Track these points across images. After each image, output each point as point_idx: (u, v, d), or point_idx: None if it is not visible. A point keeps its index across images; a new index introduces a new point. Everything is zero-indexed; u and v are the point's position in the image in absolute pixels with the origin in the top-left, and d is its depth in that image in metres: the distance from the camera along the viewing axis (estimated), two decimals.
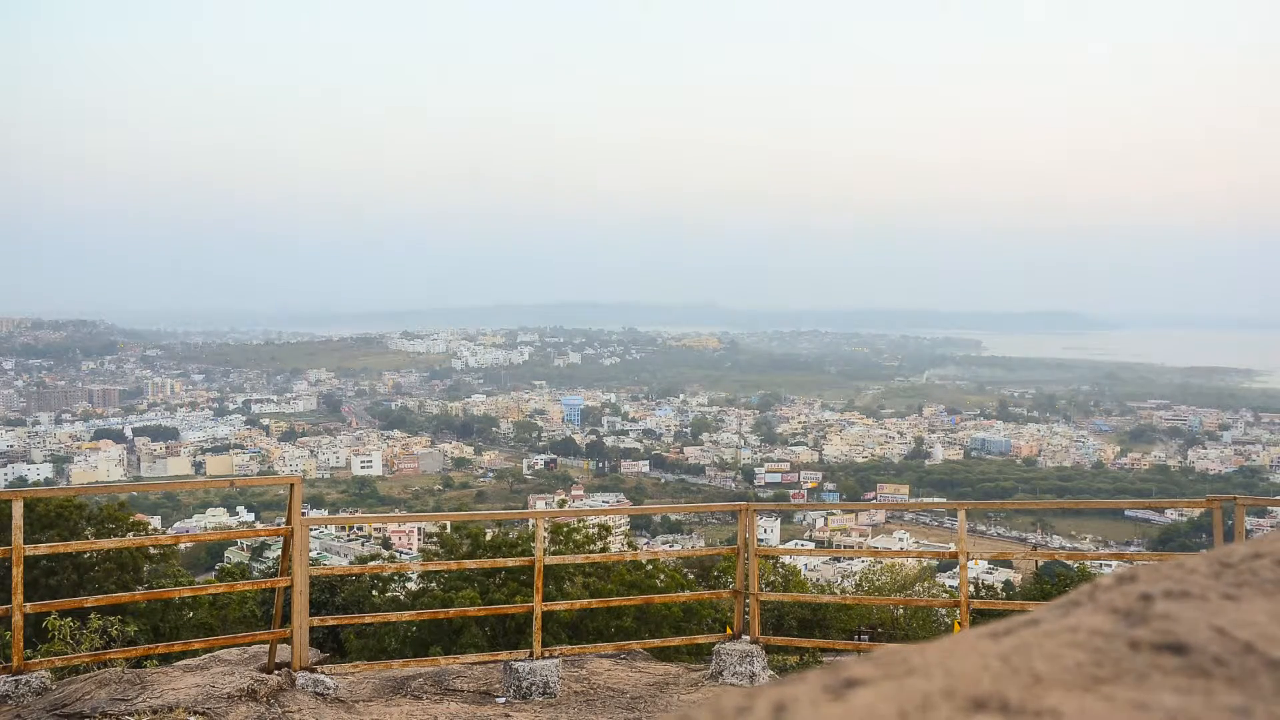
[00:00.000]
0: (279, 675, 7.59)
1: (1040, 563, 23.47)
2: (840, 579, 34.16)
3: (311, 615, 8.08)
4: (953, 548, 9.24)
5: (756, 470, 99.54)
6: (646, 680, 8.71)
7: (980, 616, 11.59)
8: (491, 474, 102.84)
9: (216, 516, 76.18)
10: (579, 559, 13.73)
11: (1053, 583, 17.51)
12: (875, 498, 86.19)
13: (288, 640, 7.87)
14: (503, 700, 8.10)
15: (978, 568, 39.50)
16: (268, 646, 8.45)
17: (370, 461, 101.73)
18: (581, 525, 18.37)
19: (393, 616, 11.14)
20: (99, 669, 7.58)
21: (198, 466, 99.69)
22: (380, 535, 65.78)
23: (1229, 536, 8.05)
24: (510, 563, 12.20)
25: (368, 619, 12.30)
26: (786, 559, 27.13)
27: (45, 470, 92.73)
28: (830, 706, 0.88)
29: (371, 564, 23.38)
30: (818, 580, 33.04)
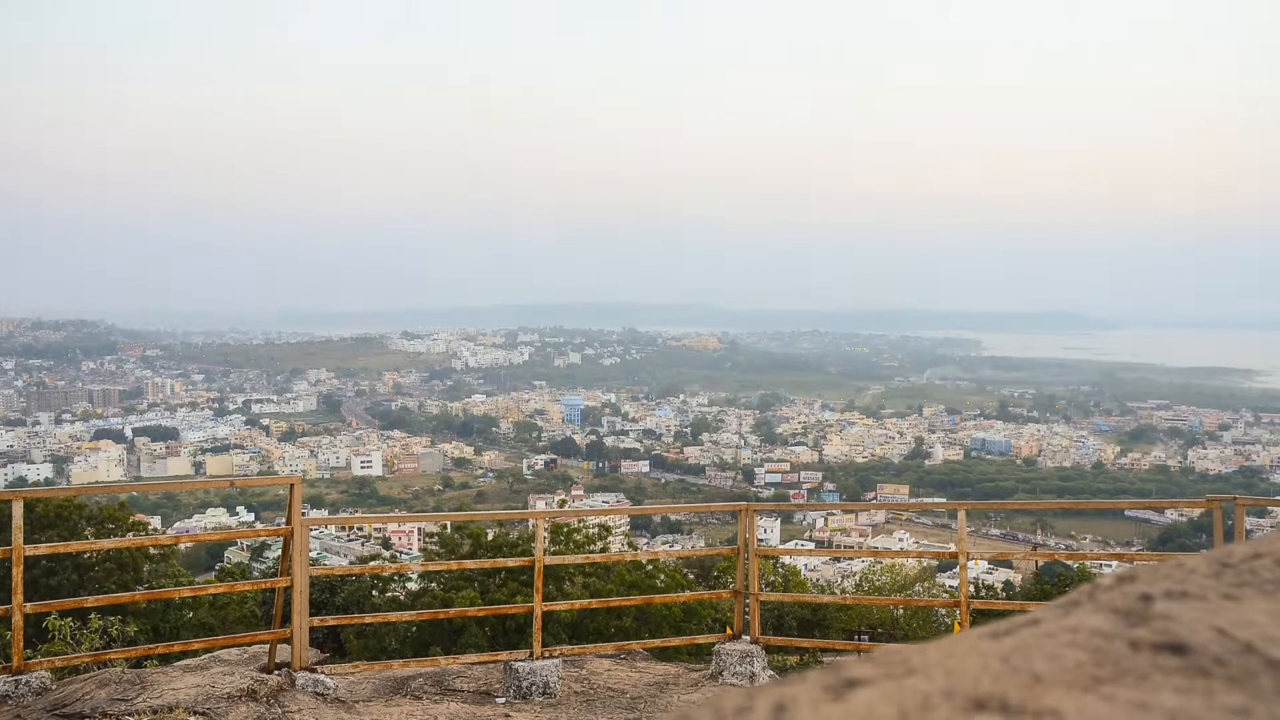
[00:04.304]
0: (279, 675, 7.60)
1: (1040, 563, 23.48)
2: (840, 579, 34.19)
3: (311, 615, 8.08)
4: (953, 548, 9.25)
5: (756, 470, 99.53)
6: (646, 680, 8.71)
7: (980, 616, 11.59)
8: (491, 474, 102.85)
9: (216, 516, 76.18)
10: (579, 559, 13.73)
11: (1053, 583, 17.51)
12: (875, 498, 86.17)
13: (288, 640, 7.87)
14: (503, 700, 8.10)
15: (978, 568, 39.50)
16: (268, 646, 8.45)
17: (370, 461, 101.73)
18: (581, 525, 18.36)
19: (393, 616, 11.14)
20: (99, 669, 7.58)
21: (198, 466, 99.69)
22: (380, 535, 65.78)
23: (1229, 536, 8.05)
24: (510, 563, 12.20)
25: (368, 619, 12.29)
26: (786, 559, 27.15)
27: (45, 470, 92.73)
28: (830, 706, 0.88)
29: (371, 564, 23.40)
30: (818, 580, 33.06)
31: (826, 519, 76.99)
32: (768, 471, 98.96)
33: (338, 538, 65.10)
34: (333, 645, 14.57)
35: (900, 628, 18.50)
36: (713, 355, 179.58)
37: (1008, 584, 28.84)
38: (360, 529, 67.23)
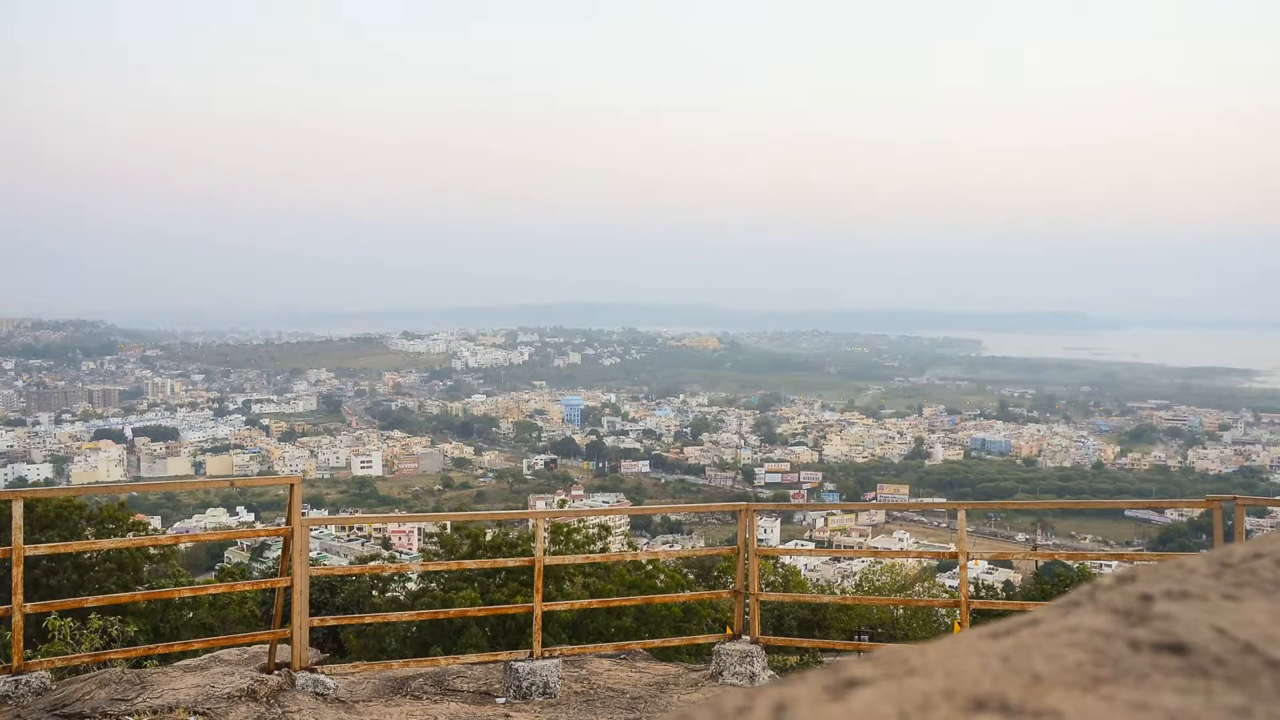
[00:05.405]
0: (279, 675, 7.59)
1: (1040, 563, 23.45)
2: (840, 579, 34.18)
3: (311, 615, 8.08)
4: (953, 548, 9.24)
5: (756, 470, 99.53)
6: (646, 680, 8.71)
7: (980, 616, 11.59)
8: (491, 474, 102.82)
9: (216, 516, 76.21)
10: (579, 559, 13.71)
11: (1053, 583, 17.49)
12: (875, 498, 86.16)
13: (288, 640, 7.87)
14: (503, 700, 8.10)
15: (978, 568, 39.48)
16: (268, 646, 8.45)
17: (370, 461, 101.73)
18: (581, 525, 18.35)
19: (393, 616, 11.13)
20: (99, 669, 7.58)
21: (198, 466, 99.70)
22: (380, 535, 65.79)
23: (1229, 536, 8.04)
24: (510, 563, 12.19)
25: (368, 619, 12.28)
26: (786, 559, 27.15)
27: (45, 470, 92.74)
28: (830, 706, 0.88)
29: (371, 564, 23.39)
30: (818, 580, 33.06)
31: (826, 519, 76.97)
32: (768, 471, 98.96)
33: (338, 538, 65.11)
34: (333, 645, 14.57)
35: (900, 628, 18.49)
36: (713, 355, 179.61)
37: (1008, 584, 28.83)
38: (360, 529, 67.24)
